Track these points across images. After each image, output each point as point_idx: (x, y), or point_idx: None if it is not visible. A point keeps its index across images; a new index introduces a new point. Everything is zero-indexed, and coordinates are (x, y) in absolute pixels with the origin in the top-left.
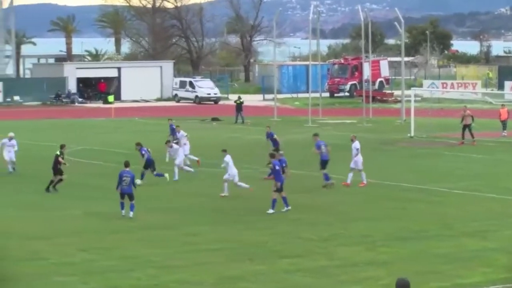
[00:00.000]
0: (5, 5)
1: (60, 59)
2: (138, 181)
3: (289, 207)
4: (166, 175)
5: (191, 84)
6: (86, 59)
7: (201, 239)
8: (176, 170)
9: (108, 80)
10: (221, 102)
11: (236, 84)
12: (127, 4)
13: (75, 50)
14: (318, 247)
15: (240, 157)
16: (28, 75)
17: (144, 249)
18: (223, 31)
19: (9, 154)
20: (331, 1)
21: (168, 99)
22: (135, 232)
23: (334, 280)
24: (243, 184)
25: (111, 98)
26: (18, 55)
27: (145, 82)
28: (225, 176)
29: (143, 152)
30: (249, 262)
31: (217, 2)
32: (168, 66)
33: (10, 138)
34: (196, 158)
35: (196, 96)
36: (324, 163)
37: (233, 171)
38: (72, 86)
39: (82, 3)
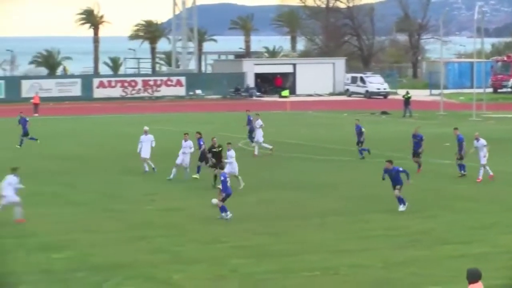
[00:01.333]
0: (188, 4)
1: (239, 56)
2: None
3: (402, 208)
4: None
5: (362, 79)
6: (263, 56)
7: (371, 226)
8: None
9: (284, 75)
10: (390, 97)
11: (404, 80)
12: (303, 4)
13: (253, 47)
14: (480, 234)
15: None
16: (209, 70)
17: (317, 234)
18: (392, 30)
19: (144, 151)
20: (495, 2)
21: (340, 94)
22: (309, 218)
23: (496, 266)
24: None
25: (285, 92)
26: (200, 52)
27: (319, 78)
28: (227, 170)
29: (201, 143)
30: (412, 249)
31: (387, 2)
32: (340, 62)
33: (146, 132)
34: (270, 147)
35: (367, 91)
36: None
37: (234, 165)
38: (250, 81)
39: (260, 3)
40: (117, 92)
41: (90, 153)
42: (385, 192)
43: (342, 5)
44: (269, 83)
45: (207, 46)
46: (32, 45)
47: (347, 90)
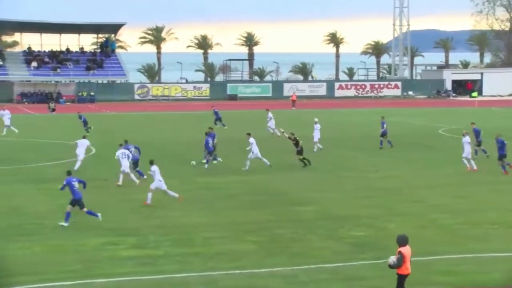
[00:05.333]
0: (404, 30)
1: (440, 67)
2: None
3: (65, 223)
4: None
5: None
6: (458, 67)
7: None
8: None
9: (473, 81)
10: None
11: None
12: (490, 29)
13: (451, 61)
14: None
15: None
16: (418, 77)
17: (496, 197)
18: None
19: (315, 136)
20: None
21: None
22: (488, 184)
23: None
24: (265, 160)
25: (475, 94)
26: (411, 64)
27: (500, 83)
28: (250, 155)
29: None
30: None
31: None
32: None
33: (316, 122)
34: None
35: None
36: None
37: (256, 150)
38: (448, 85)
39: (458, 28)
40: (352, 92)
41: (330, 135)
42: None
43: None
44: (462, 87)
45: (417, 59)
46: (291, 58)
47: None
